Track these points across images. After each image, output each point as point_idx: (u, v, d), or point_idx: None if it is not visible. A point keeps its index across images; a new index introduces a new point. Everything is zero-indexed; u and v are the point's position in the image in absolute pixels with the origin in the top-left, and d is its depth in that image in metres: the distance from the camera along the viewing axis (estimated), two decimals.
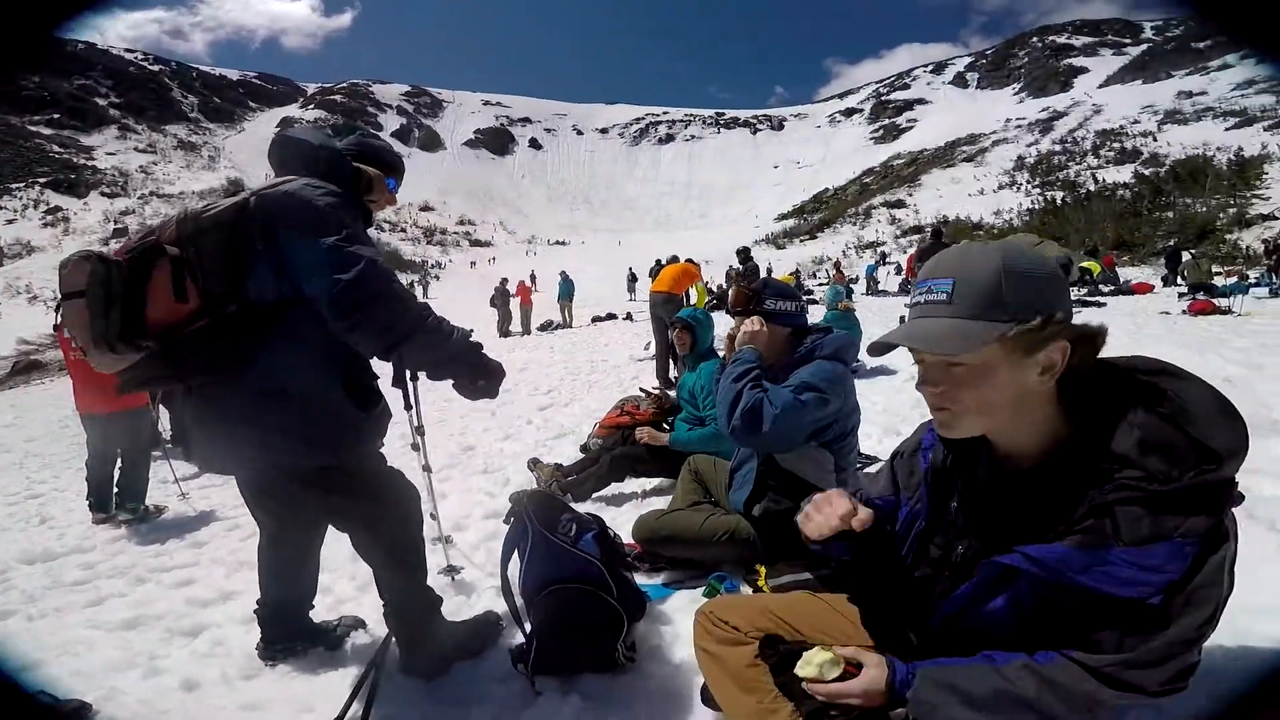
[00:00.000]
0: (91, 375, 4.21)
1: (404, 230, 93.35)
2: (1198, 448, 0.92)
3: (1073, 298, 13.91)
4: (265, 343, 1.59)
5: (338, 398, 1.69)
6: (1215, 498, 0.91)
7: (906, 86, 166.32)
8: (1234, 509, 0.96)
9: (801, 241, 54.59)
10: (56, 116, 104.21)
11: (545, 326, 17.81)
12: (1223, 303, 11.18)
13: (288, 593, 2.09)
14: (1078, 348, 0.99)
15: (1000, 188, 50.15)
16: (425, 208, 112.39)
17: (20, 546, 3.75)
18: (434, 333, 1.67)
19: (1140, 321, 10.12)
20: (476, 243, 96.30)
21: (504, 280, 18.68)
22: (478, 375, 1.78)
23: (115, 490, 4.29)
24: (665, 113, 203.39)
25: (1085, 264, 18.00)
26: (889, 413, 4.80)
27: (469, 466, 4.50)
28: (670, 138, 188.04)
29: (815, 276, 32.40)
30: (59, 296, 1.63)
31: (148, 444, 4.57)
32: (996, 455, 1.12)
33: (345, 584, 2.64)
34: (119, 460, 4.37)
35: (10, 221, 64.52)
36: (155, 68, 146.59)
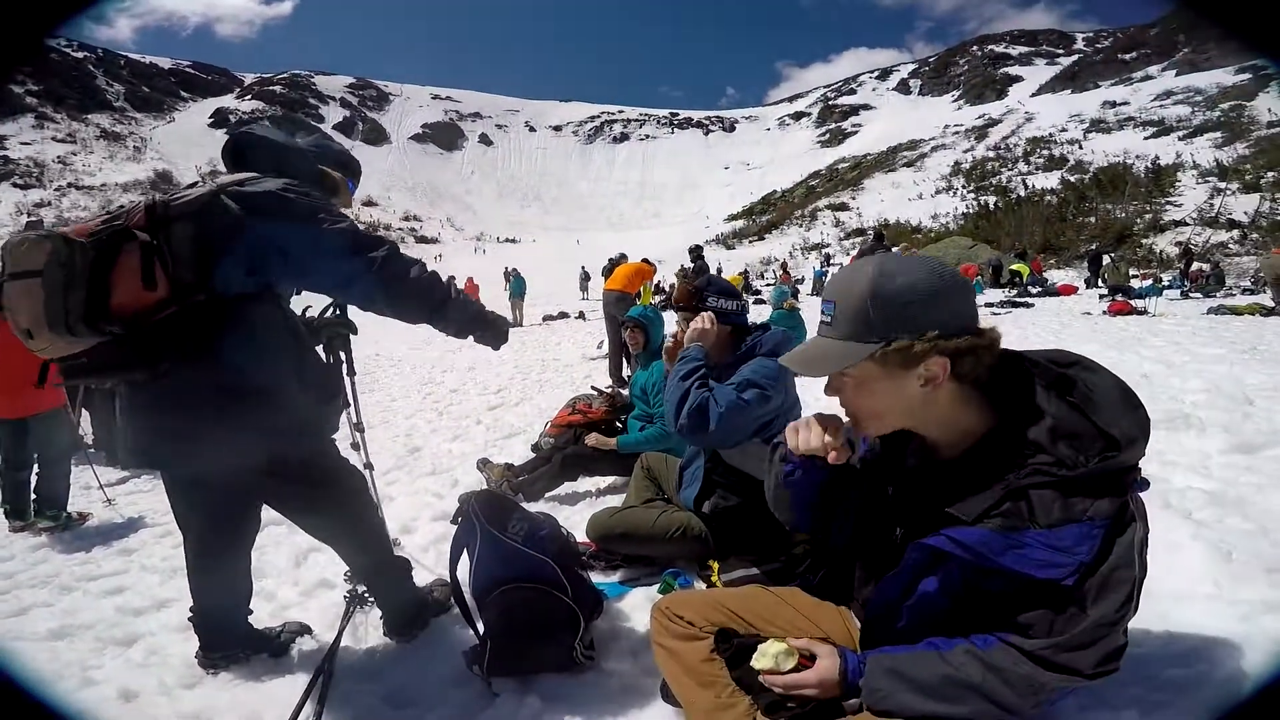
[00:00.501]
0: (2, 380, 3.94)
1: None
2: (1103, 435, 1.00)
3: (1003, 298, 14.57)
4: (231, 335, 1.60)
5: (297, 390, 1.72)
6: (1118, 482, 0.99)
7: (853, 92, 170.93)
8: (1141, 494, 1.04)
9: (750, 242, 55.28)
10: None
11: None
12: (1139, 304, 11.97)
13: (221, 598, 2.01)
14: (961, 360, 1.04)
15: (938, 192, 52.01)
16: (368, 203, 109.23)
17: None
18: (460, 296, 1.89)
19: (1065, 321, 10.72)
20: (422, 239, 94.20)
21: (451, 278, 18.28)
22: (497, 326, 2.01)
23: (33, 498, 4.03)
24: (620, 111, 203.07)
25: (1015, 266, 18.96)
26: (829, 407, 4.94)
27: (416, 468, 4.39)
28: (625, 137, 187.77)
29: (763, 277, 32.89)
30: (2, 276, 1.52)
31: (66, 448, 4.29)
32: (925, 445, 1.18)
33: (289, 590, 2.55)
34: (35, 466, 4.10)
35: None
36: (79, 55, 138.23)
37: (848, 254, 34.91)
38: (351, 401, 2.20)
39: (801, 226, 54.63)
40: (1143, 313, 11.33)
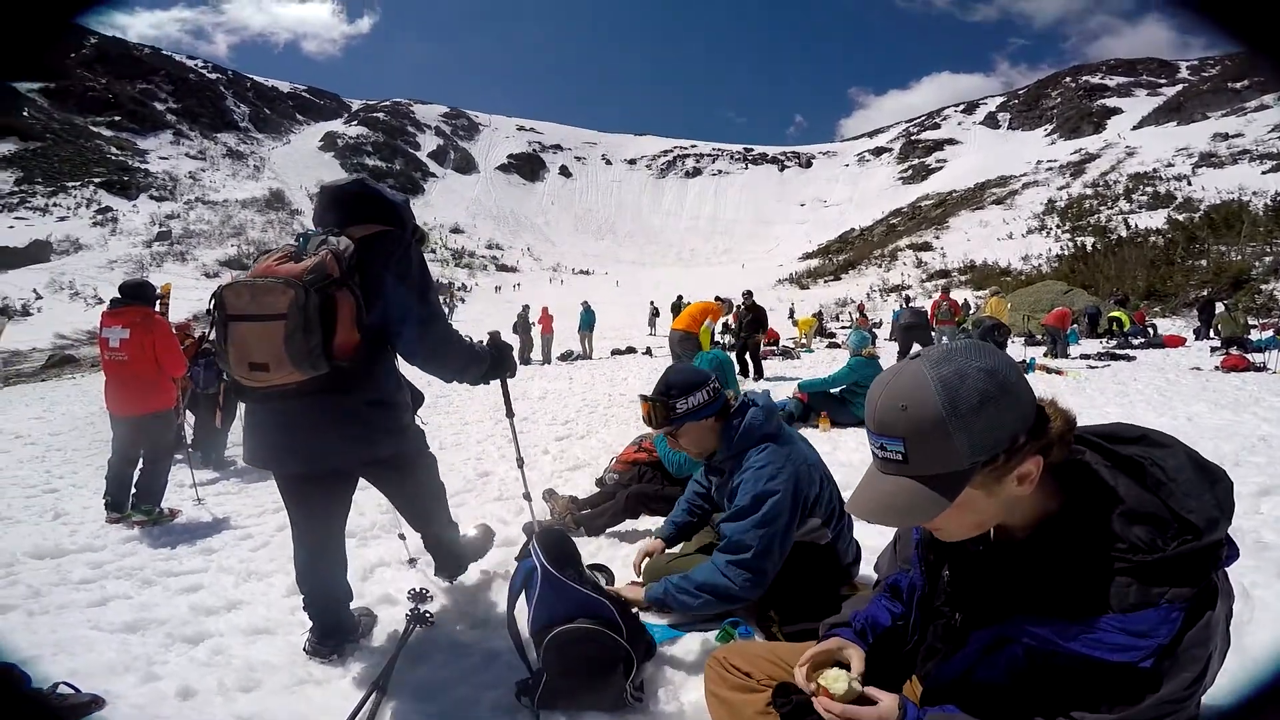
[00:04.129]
0: (124, 378, 4.32)
1: (433, 251, 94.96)
2: (1178, 519, 0.93)
3: (1101, 349, 13.50)
4: (374, 360, 1.98)
5: (406, 400, 2.16)
6: (1200, 565, 0.92)
7: (937, 126, 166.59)
8: (1229, 567, 0.96)
9: (825, 282, 53.97)
10: (117, 119, 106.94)
11: (565, 356, 17.85)
12: (1257, 358, 10.92)
13: (332, 587, 2.26)
14: (1051, 451, 0.97)
15: (1029, 232, 49.65)
16: (455, 230, 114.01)
17: (32, 540, 3.77)
18: (479, 361, 2.21)
19: (1171, 377, 9.90)
20: (503, 267, 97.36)
21: (525, 308, 18.84)
22: (504, 372, 2.38)
23: (133, 491, 4.34)
24: (693, 146, 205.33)
25: (1115, 314, 17.72)
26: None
27: (484, 493, 4.50)
28: (697, 171, 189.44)
29: (838, 319, 32.10)
30: (225, 314, 1.81)
31: (171, 447, 4.63)
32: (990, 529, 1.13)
33: (354, 603, 2.64)
34: (140, 461, 4.43)
35: (63, 219, 65.71)
36: (213, 76, 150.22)
37: (929, 296, 33.37)
38: (511, 413, 2.81)
39: (880, 267, 53.08)
40: (1261, 368, 10.31)
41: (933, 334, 12.19)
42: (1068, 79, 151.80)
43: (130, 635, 2.50)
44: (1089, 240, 39.08)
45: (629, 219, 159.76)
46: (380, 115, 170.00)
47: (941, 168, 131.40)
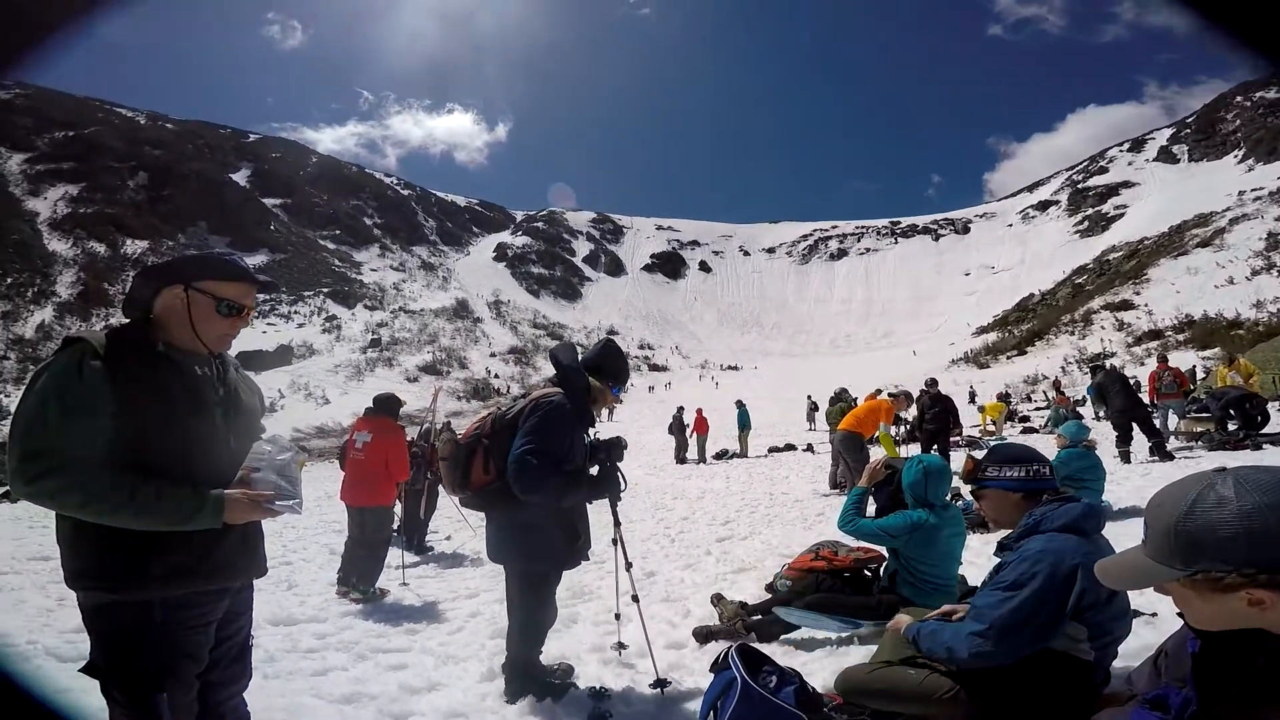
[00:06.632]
0: (362, 475, 5.16)
1: None
2: None
3: None
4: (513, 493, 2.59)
5: (547, 530, 2.68)
6: None
7: (1104, 170, 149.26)
8: None
9: (1008, 358, 48.07)
10: (337, 233, 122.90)
11: (721, 455, 17.64)
12: None
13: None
14: None
15: (1255, 273, 41.74)
16: (611, 332, 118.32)
17: (270, 609, 4.28)
18: (564, 491, 2.64)
19: None
20: (655, 367, 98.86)
21: (681, 409, 19.02)
22: (605, 494, 2.84)
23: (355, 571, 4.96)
24: (834, 226, 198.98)
25: None
26: None
27: (650, 594, 4.46)
28: (843, 253, 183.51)
29: (1030, 399, 28.11)
30: (439, 455, 2.94)
31: (388, 538, 5.31)
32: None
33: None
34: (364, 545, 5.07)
35: (301, 326, 75.69)
36: (405, 192, 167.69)
37: (1140, 363, 28.32)
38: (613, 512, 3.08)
39: (1074, 334, 46.30)
40: None
41: (1154, 409, 9.98)
42: (1238, 98, 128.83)
43: (346, 706, 2.75)
44: None
45: (774, 309, 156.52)
46: (540, 225, 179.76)
47: (1122, 214, 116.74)
